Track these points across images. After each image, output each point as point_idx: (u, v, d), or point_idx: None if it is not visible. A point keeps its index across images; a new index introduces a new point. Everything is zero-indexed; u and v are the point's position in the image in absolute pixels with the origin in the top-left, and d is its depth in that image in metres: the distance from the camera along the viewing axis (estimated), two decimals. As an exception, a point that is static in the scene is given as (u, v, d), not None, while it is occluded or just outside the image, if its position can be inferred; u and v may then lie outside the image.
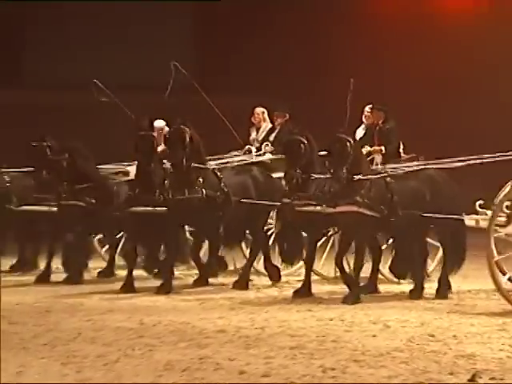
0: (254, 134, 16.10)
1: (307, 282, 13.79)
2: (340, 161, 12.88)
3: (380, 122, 15.19)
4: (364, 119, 15.81)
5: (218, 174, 14.53)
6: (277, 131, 15.91)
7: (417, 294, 13.42)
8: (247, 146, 15.89)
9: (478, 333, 10.78)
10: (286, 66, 26.91)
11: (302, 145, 13.63)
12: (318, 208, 13.27)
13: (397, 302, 13.24)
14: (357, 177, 13.00)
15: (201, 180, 14.08)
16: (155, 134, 14.74)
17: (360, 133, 15.50)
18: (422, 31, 25.78)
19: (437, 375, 8.66)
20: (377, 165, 14.63)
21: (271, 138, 15.89)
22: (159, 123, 15.72)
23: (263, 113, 16.09)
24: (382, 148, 14.96)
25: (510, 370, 8.89)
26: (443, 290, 13.68)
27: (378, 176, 13.37)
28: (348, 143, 13.00)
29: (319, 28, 26.31)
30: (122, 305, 12.90)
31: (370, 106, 15.59)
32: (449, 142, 21.80)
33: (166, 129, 15.53)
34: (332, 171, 13.08)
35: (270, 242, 15.06)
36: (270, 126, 16.07)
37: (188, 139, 13.90)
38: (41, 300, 13.29)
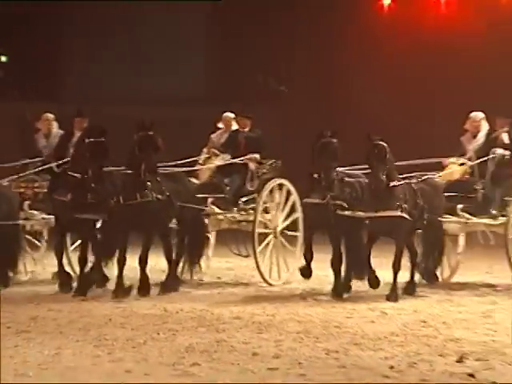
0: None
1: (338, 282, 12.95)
2: (380, 166, 12.30)
3: (246, 129, 14.37)
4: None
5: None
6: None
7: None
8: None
9: (465, 319, 10.78)
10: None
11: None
12: (361, 213, 12.51)
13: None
14: (395, 182, 12.43)
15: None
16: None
17: (223, 138, 14.56)
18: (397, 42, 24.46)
19: (428, 357, 8.70)
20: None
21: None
22: None
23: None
24: (256, 156, 14.09)
25: (494, 351, 8.93)
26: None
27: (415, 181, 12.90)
28: (386, 149, 12.51)
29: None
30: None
31: (232, 114, 14.74)
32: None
33: None
34: (373, 176, 12.42)
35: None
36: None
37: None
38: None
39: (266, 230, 13.67)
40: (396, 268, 12.56)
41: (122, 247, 12.45)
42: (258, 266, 13.49)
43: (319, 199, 12.27)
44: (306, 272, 13.00)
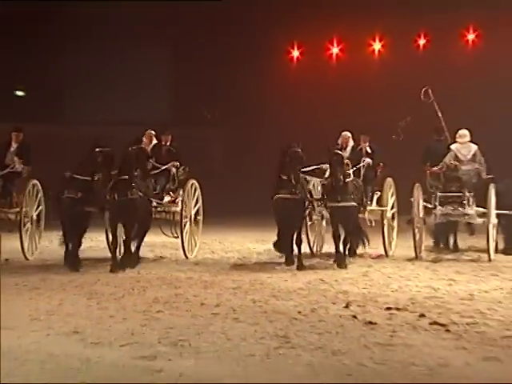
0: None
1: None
2: (339, 169, 11.87)
3: (167, 143, 13.47)
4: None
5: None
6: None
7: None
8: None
9: (350, 277, 10.81)
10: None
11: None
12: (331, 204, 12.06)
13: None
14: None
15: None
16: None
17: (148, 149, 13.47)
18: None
19: (324, 304, 8.76)
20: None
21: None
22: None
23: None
24: (176, 163, 13.20)
25: (370, 300, 9.01)
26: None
27: None
28: (343, 156, 12.16)
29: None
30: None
31: (153, 132, 13.74)
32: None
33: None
34: (334, 176, 11.90)
35: None
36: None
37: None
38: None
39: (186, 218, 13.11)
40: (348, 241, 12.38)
41: (113, 233, 11.90)
42: (182, 244, 12.97)
43: (289, 195, 11.79)
44: (279, 247, 12.53)
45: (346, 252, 12.48)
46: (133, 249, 12.12)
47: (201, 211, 13.67)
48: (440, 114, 13.95)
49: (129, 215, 11.70)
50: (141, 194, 11.88)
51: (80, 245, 11.88)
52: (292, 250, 12.09)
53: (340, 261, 11.95)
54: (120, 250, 11.99)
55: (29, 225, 12.81)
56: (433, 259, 12.70)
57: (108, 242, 12.35)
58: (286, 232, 12.14)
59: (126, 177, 11.64)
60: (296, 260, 11.94)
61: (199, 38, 23.60)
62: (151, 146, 13.52)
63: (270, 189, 12.26)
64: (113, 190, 11.58)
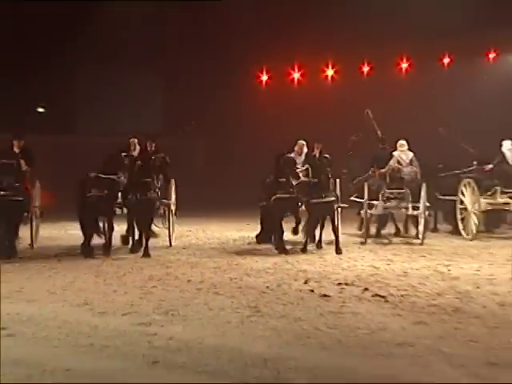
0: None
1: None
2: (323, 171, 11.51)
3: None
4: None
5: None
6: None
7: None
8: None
9: (308, 259, 10.75)
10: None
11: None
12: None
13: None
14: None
15: None
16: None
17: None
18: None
19: (288, 281, 8.75)
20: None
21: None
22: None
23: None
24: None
25: (325, 277, 8.99)
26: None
27: None
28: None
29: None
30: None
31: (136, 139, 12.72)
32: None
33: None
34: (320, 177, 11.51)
35: None
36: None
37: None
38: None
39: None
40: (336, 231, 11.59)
41: (109, 222, 11.25)
42: (169, 233, 12.42)
43: (287, 194, 11.35)
44: (262, 238, 12.23)
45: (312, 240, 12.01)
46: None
47: (177, 205, 12.91)
48: (379, 131, 13.83)
49: (148, 212, 11.24)
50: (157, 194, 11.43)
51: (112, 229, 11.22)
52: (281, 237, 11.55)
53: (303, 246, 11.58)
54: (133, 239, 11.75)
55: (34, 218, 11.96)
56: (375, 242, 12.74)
57: (128, 232, 11.86)
58: (279, 224, 11.54)
59: (149, 180, 11.17)
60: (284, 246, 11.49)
61: (186, 65, 23.46)
62: (136, 152, 12.54)
63: (255, 193, 11.91)
64: (135, 190, 11.15)
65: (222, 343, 5.75)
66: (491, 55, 22.08)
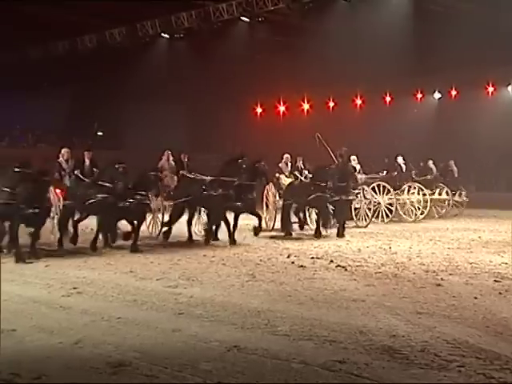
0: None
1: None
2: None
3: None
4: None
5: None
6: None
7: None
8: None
9: (290, 240, 10.31)
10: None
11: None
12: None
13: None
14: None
15: None
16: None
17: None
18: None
19: (275, 256, 8.49)
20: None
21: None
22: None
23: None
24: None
25: (302, 253, 8.60)
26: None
27: None
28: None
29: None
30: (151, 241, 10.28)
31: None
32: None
33: None
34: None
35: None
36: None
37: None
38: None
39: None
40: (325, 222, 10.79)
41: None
42: (162, 227, 10.44)
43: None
44: (257, 230, 10.49)
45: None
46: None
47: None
48: (330, 150, 12.90)
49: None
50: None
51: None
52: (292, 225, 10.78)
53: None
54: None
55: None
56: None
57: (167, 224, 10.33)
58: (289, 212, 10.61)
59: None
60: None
61: (198, 96, 23.14)
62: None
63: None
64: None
65: (228, 300, 5.71)
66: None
